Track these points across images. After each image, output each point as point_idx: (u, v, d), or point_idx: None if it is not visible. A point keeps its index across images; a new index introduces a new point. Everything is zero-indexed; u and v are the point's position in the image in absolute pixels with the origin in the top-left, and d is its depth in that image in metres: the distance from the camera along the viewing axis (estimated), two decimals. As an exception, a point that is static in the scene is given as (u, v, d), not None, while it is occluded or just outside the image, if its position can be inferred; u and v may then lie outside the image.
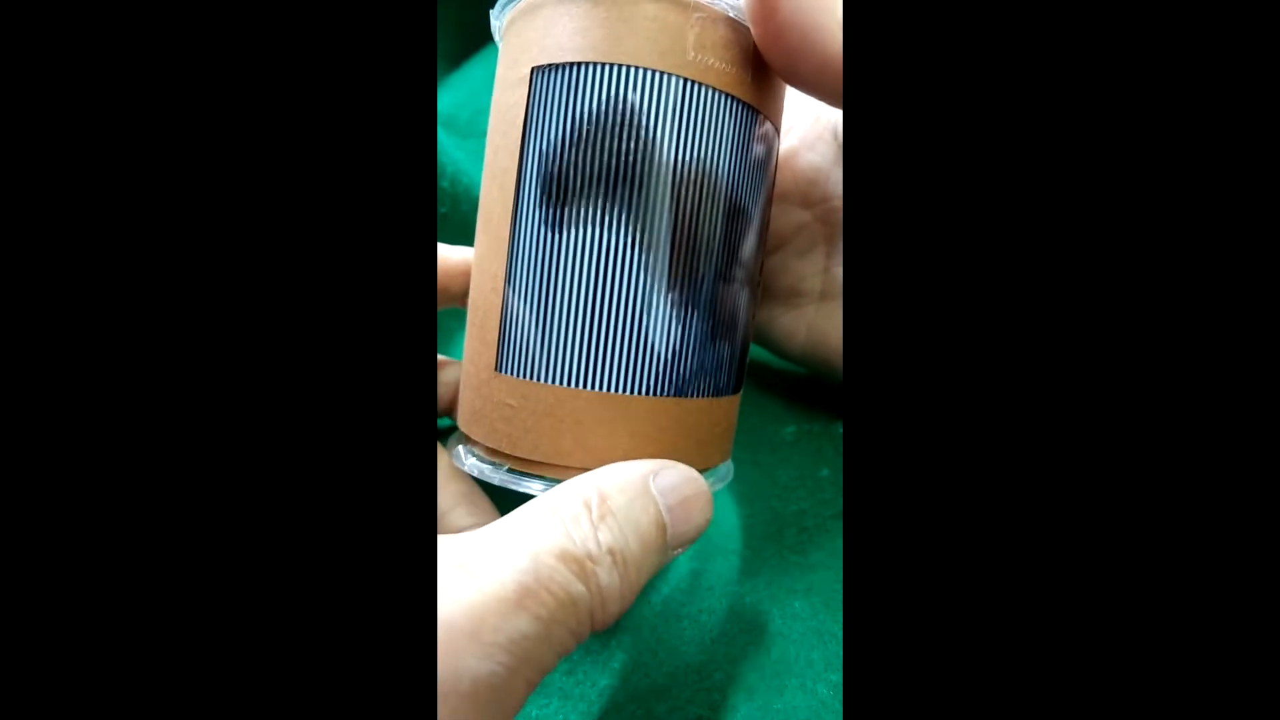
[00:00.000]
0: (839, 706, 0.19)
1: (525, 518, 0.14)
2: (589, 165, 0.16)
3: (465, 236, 0.28)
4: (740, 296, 0.18)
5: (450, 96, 0.42)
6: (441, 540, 0.13)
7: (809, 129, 0.23)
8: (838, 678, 0.19)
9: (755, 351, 0.29)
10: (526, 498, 0.15)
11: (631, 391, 0.16)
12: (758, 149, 0.17)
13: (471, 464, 0.18)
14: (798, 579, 0.22)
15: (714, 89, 0.16)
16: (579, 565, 0.13)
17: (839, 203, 0.23)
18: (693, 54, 0.15)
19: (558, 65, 0.16)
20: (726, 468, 0.19)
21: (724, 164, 0.16)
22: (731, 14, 0.16)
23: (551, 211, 0.16)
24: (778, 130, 0.18)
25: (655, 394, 0.16)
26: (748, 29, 0.16)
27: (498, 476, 0.17)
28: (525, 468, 0.17)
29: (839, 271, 0.23)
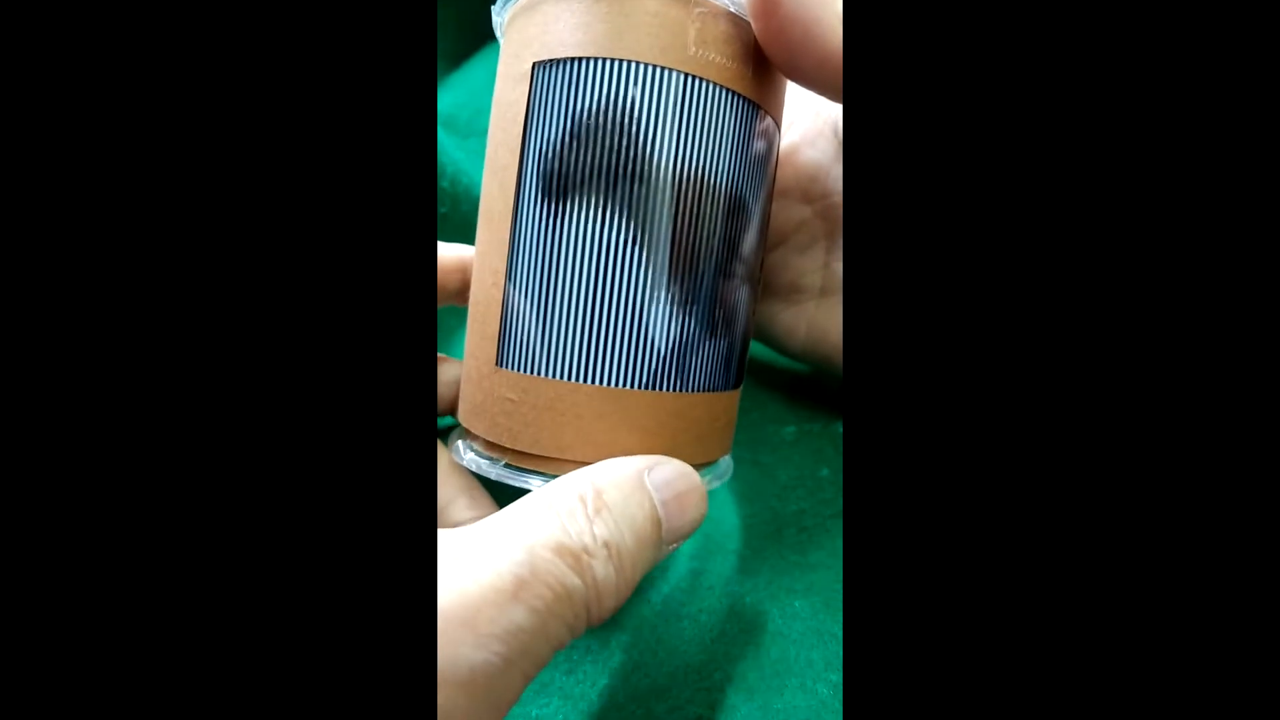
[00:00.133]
0: (839, 706, 0.19)
1: (521, 511, 0.14)
2: (590, 161, 0.16)
3: (465, 236, 0.28)
4: (740, 292, 0.18)
5: (450, 96, 0.42)
6: (439, 534, 0.13)
7: (810, 125, 0.23)
8: (838, 678, 0.19)
9: (756, 350, 0.29)
10: (524, 492, 0.15)
11: (631, 386, 0.16)
12: (758, 144, 0.17)
13: (470, 459, 0.18)
14: (798, 579, 0.22)
15: (715, 84, 0.16)
16: (574, 559, 0.13)
17: (839, 199, 0.23)
18: (694, 49, 0.15)
19: (559, 61, 0.16)
20: (726, 463, 0.19)
21: (725, 160, 0.16)
22: (732, 9, 0.16)
23: (552, 207, 0.16)
24: (779, 126, 0.18)
25: (655, 388, 0.16)
26: (749, 24, 0.16)
27: (495, 471, 0.17)
28: (525, 462, 0.17)
29: (839, 267, 0.23)
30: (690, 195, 0.16)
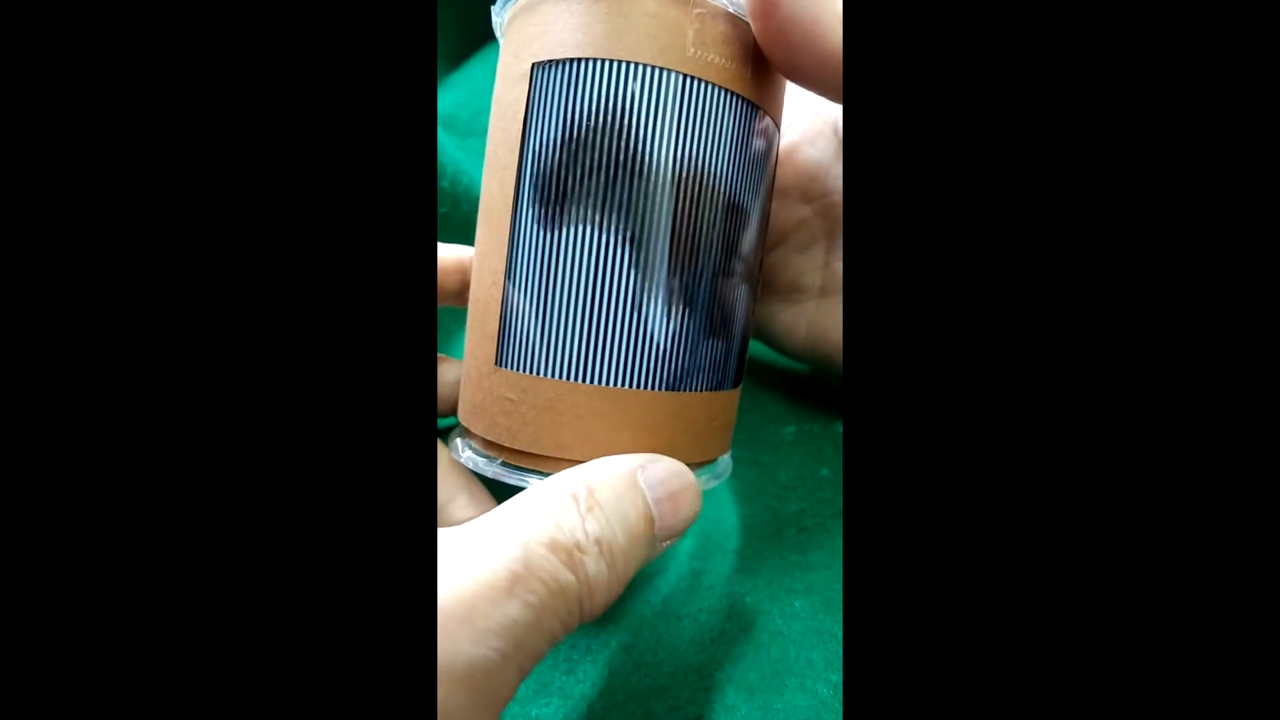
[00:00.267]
0: (839, 706, 0.19)
1: (516, 508, 0.14)
2: (589, 161, 0.16)
3: (465, 236, 0.28)
4: (740, 291, 0.18)
5: (450, 96, 0.42)
6: (438, 532, 0.13)
7: (810, 124, 0.23)
8: (838, 678, 0.19)
9: (756, 350, 0.29)
10: (521, 490, 0.15)
11: (630, 385, 0.16)
12: (758, 144, 0.17)
13: (468, 456, 0.18)
14: (798, 579, 0.22)
15: (714, 85, 0.16)
16: (567, 555, 0.13)
17: (839, 198, 0.23)
18: (692, 50, 0.15)
19: (558, 61, 0.16)
20: (725, 462, 0.19)
21: (723, 160, 0.16)
22: (731, 10, 0.16)
23: (551, 207, 0.16)
24: (778, 125, 0.18)
25: (654, 388, 0.16)
26: (748, 24, 0.16)
27: (491, 469, 0.17)
28: (525, 461, 0.17)
29: (839, 267, 0.23)
30: (689, 195, 0.16)
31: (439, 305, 0.24)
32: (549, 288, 0.16)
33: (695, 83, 0.16)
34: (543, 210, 0.16)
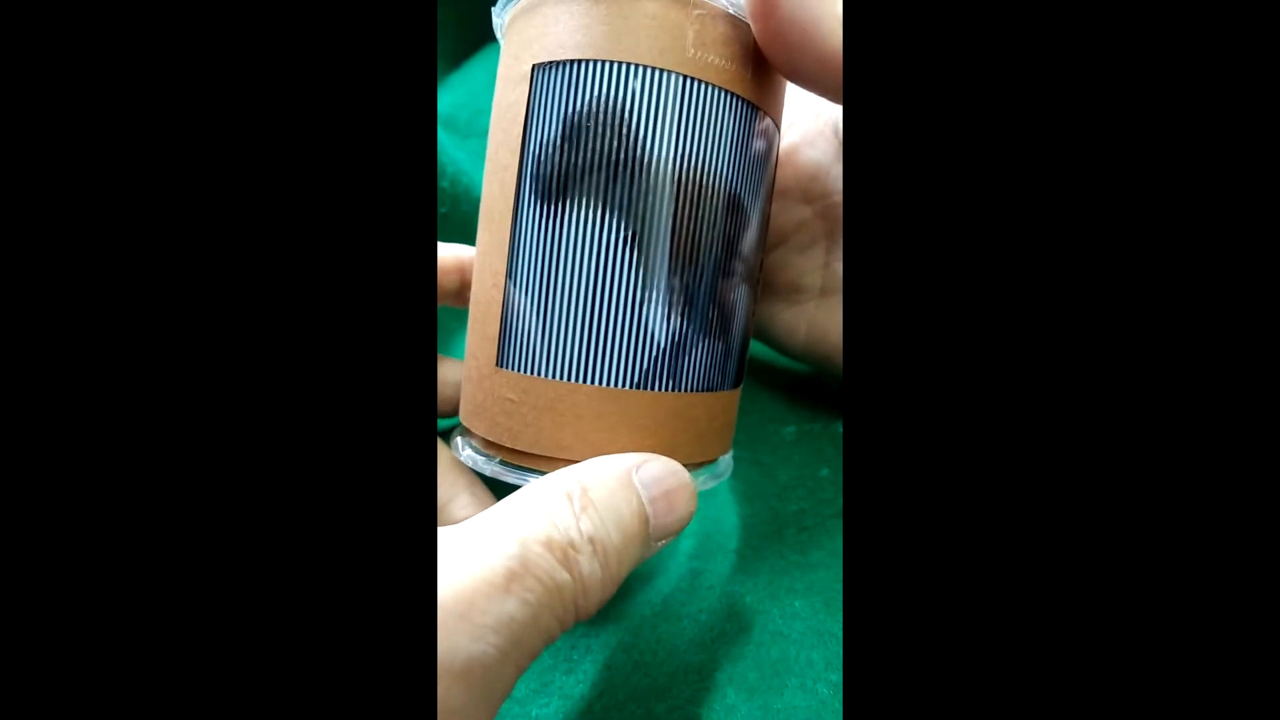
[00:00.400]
0: (839, 706, 0.19)
1: (512, 507, 0.14)
2: (589, 162, 0.16)
3: (465, 236, 0.28)
4: (740, 292, 0.18)
5: (450, 96, 0.42)
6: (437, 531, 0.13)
7: (810, 125, 0.23)
8: (838, 678, 0.19)
9: (756, 350, 0.29)
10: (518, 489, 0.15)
11: (631, 386, 0.16)
12: (758, 145, 0.17)
13: (467, 455, 0.18)
14: (798, 579, 0.22)
15: (714, 86, 0.16)
16: (563, 553, 0.13)
17: (839, 199, 0.23)
18: (692, 51, 0.15)
19: (558, 63, 0.16)
20: (725, 462, 0.19)
21: (723, 161, 0.16)
22: (731, 11, 0.16)
23: (552, 208, 0.16)
24: (778, 126, 0.18)
25: (654, 389, 0.16)
26: (747, 26, 0.16)
27: (490, 467, 0.17)
28: (525, 461, 0.17)
29: (839, 267, 0.23)
30: (689, 196, 0.16)
31: (438, 305, 0.24)
32: (550, 289, 0.16)
33: (695, 84, 0.16)
34: (543, 211, 0.16)
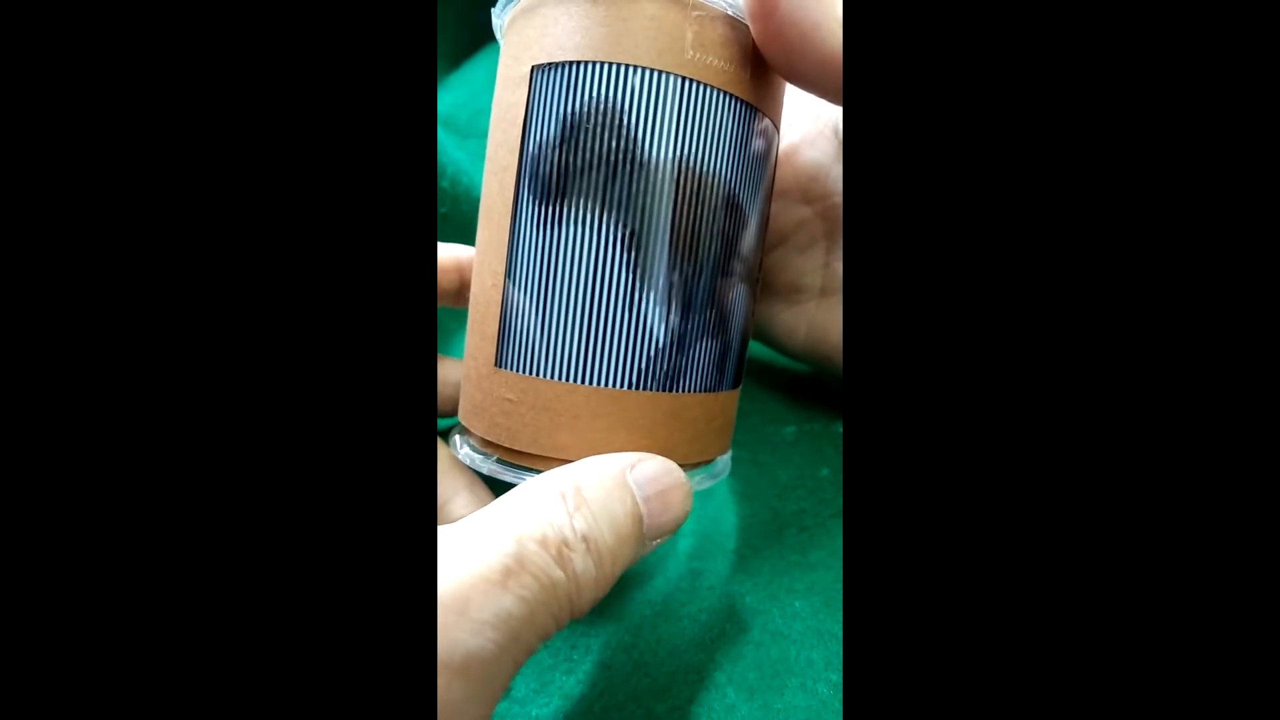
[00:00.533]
0: (839, 706, 0.19)
1: (507, 505, 0.14)
2: (588, 163, 0.16)
3: (465, 236, 0.28)
4: (739, 292, 0.18)
5: (450, 96, 0.42)
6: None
7: (810, 126, 0.23)
8: (838, 677, 0.19)
9: (756, 350, 0.29)
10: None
11: (629, 387, 0.16)
12: (757, 146, 0.17)
13: (465, 453, 0.18)
14: (798, 579, 0.22)
15: (713, 87, 0.16)
16: (558, 551, 0.14)
17: (839, 199, 0.23)
18: (691, 52, 0.15)
19: (557, 64, 0.16)
20: (724, 462, 0.19)
21: (722, 161, 0.16)
22: (730, 12, 0.16)
23: (551, 209, 0.16)
24: (777, 127, 0.18)
25: (652, 389, 0.16)
26: (747, 27, 0.16)
27: (487, 466, 0.18)
28: (523, 460, 0.17)
29: (839, 267, 0.23)
30: (688, 197, 0.16)
31: (437, 305, 0.24)
32: (549, 289, 0.16)
33: (694, 85, 0.16)
34: (542, 212, 0.16)
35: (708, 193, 0.16)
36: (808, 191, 0.23)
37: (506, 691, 0.20)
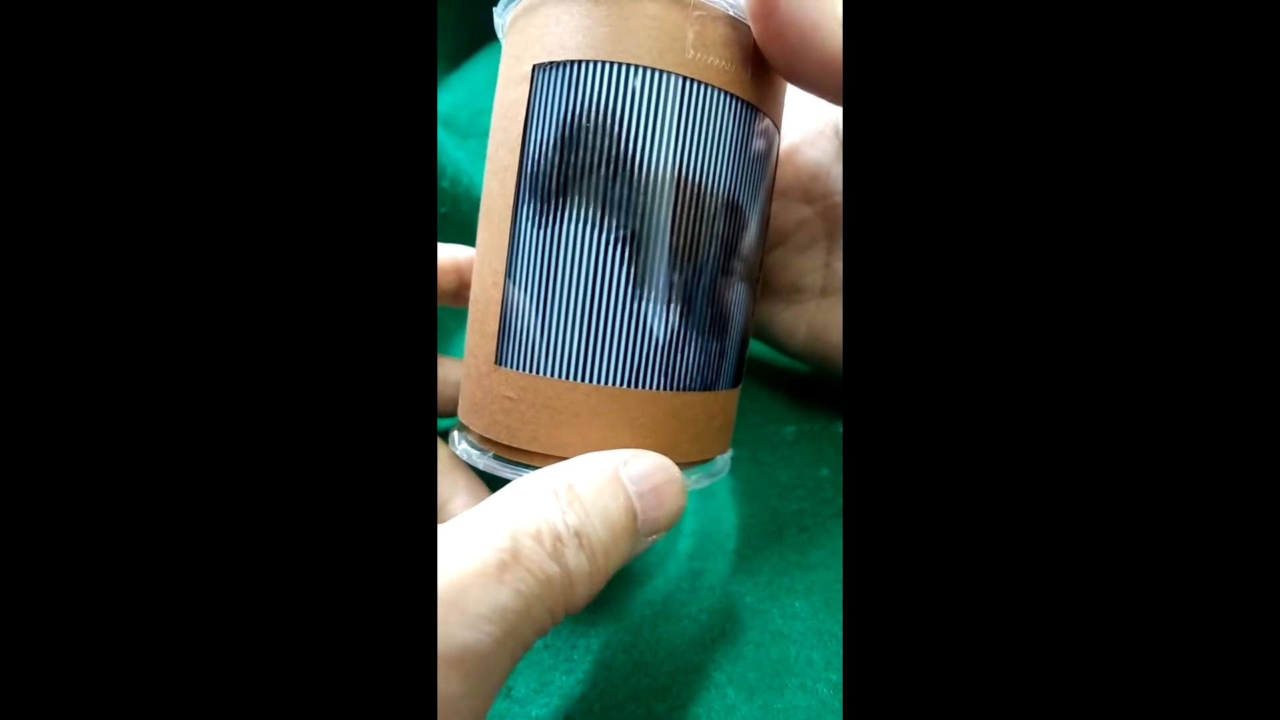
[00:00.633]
0: (839, 706, 0.19)
1: (501, 500, 0.14)
2: (588, 162, 0.16)
3: (465, 236, 0.28)
4: (739, 292, 0.18)
5: (450, 96, 0.42)
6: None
7: (810, 125, 0.23)
8: (838, 677, 0.19)
9: (756, 350, 0.29)
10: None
11: (629, 385, 0.16)
12: (757, 146, 0.17)
13: (463, 449, 0.18)
14: (798, 579, 0.22)
15: (713, 87, 0.16)
16: (551, 546, 0.14)
17: (840, 199, 0.23)
18: (692, 52, 0.16)
19: (558, 63, 0.16)
20: (723, 461, 0.20)
21: (723, 161, 0.16)
22: (731, 12, 0.16)
23: (551, 207, 0.16)
24: (778, 127, 0.18)
25: (652, 387, 0.16)
26: (748, 27, 0.16)
27: (484, 461, 0.18)
28: (521, 458, 0.17)
29: (840, 267, 0.23)
30: (688, 197, 0.16)
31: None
32: (549, 288, 0.16)
33: (695, 85, 0.16)
34: (543, 211, 0.16)
35: (708, 193, 0.16)
36: (808, 191, 0.23)
37: (507, 691, 0.20)
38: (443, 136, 0.35)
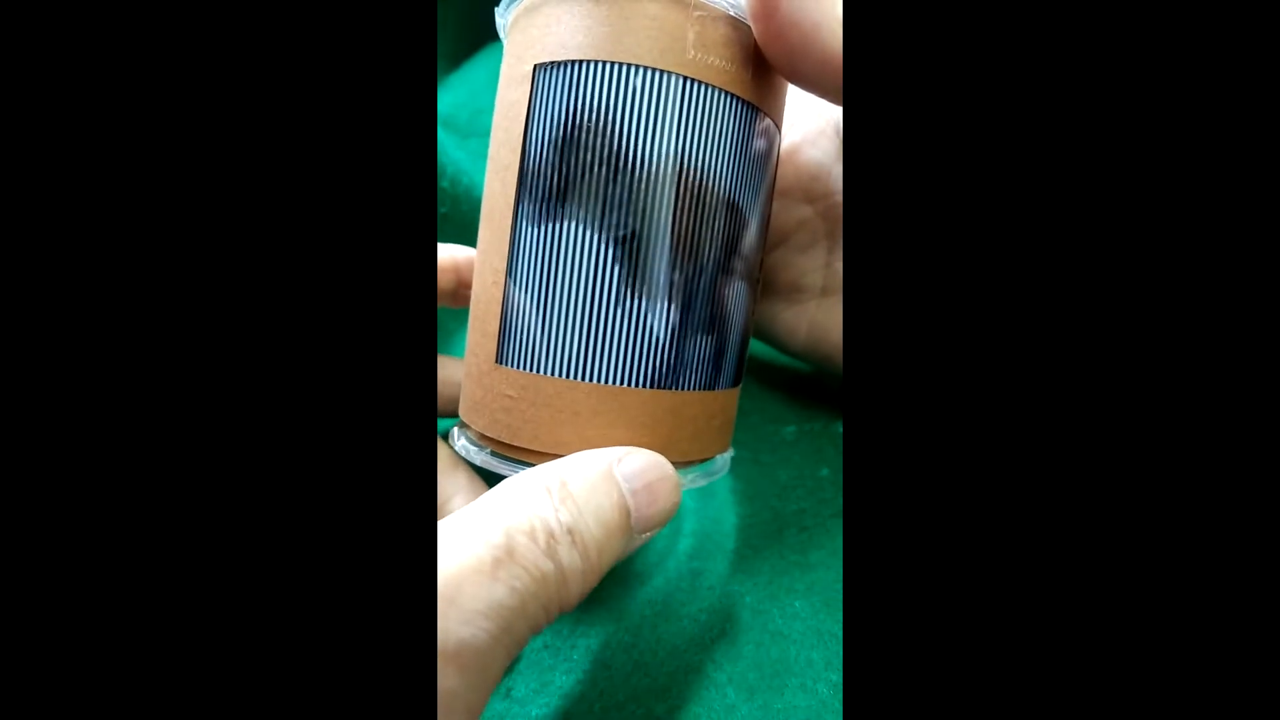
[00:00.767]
0: (839, 706, 0.19)
1: (497, 497, 0.14)
2: (589, 162, 0.16)
3: (465, 236, 0.28)
4: (739, 291, 0.18)
5: (450, 96, 0.42)
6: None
7: (811, 125, 0.23)
8: (838, 677, 0.19)
9: (756, 350, 0.29)
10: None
11: (629, 384, 0.16)
12: (758, 146, 0.17)
13: (461, 445, 0.18)
14: (798, 579, 0.22)
15: (714, 87, 0.16)
16: (545, 543, 0.14)
17: (841, 198, 0.23)
18: (693, 52, 0.16)
19: (559, 63, 0.16)
20: (722, 461, 0.20)
21: (723, 161, 0.16)
22: (732, 12, 0.16)
23: (552, 207, 0.16)
24: (779, 127, 0.19)
25: (652, 387, 0.16)
26: (748, 27, 0.16)
27: (481, 457, 0.18)
28: (519, 455, 0.17)
29: (840, 267, 0.23)
30: (688, 197, 0.16)
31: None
32: (549, 287, 0.16)
33: (695, 85, 0.16)
34: (543, 210, 0.16)
35: (708, 192, 0.16)
36: (809, 191, 0.23)
37: (506, 691, 0.20)
38: (443, 136, 0.35)
